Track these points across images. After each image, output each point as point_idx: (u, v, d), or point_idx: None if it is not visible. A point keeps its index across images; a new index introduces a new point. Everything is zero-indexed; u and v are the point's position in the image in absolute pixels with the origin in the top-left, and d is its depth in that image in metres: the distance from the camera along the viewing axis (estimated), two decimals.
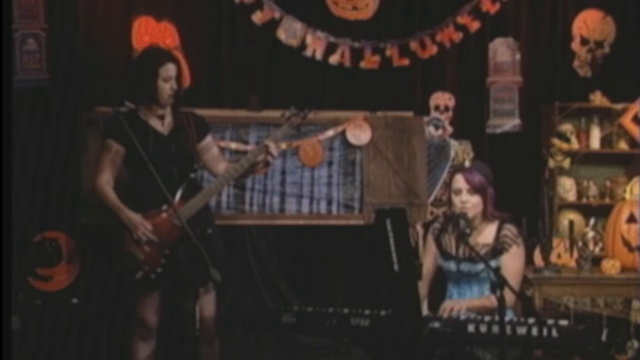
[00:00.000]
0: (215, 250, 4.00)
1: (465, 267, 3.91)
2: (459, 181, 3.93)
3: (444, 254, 3.99)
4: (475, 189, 3.90)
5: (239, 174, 4.21)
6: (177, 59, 4.28)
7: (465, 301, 3.81)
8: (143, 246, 4.03)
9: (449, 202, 4.02)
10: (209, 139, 4.29)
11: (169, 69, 4.11)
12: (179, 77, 4.16)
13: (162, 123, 4.16)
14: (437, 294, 4.10)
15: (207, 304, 4.11)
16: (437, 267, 4.05)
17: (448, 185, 4.07)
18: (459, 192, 3.92)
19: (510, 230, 3.92)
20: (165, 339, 4.36)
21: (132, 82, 4.16)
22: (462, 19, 5.64)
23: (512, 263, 3.86)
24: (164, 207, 4.04)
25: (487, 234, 3.93)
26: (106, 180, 4.10)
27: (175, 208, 3.92)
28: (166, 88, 4.10)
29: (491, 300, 3.64)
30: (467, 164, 4.11)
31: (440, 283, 4.09)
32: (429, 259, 4.06)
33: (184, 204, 4.04)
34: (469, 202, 3.90)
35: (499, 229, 3.92)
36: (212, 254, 3.69)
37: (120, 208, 4.05)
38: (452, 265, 3.95)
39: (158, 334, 4.22)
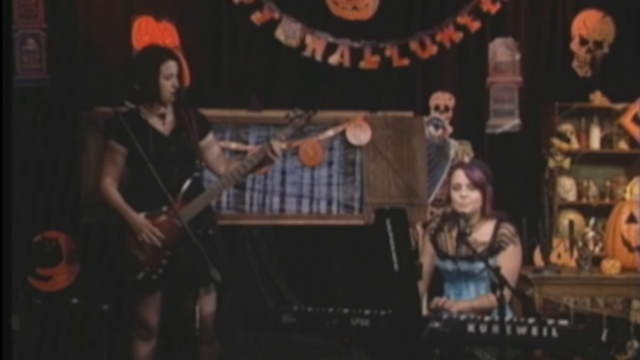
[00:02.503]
0: (216, 251, 3.99)
1: (462, 266, 3.90)
2: (459, 176, 3.92)
3: (440, 254, 3.98)
4: (475, 185, 3.89)
5: (241, 174, 4.21)
6: (178, 56, 4.28)
7: (459, 304, 3.79)
8: (144, 247, 4.03)
9: (448, 199, 4.01)
10: (210, 137, 4.29)
11: (170, 66, 4.11)
12: (180, 75, 4.16)
13: (162, 122, 4.16)
14: (435, 293, 4.10)
15: (208, 304, 4.11)
16: (435, 267, 4.04)
17: (448, 182, 4.06)
18: (458, 187, 3.91)
19: (507, 229, 3.91)
20: (166, 339, 4.36)
21: (134, 80, 4.16)
22: (462, 19, 5.64)
23: (508, 262, 3.85)
24: (165, 207, 4.04)
25: (484, 232, 3.93)
26: (110, 182, 4.10)
27: (175, 209, 3.92)
28: (168, 85, 4.10)
29: (490, 299, 3.64)
30: (466, 159, 4.11)
31: (438, 283, 4.09)
32: (426, 259, 4.05)
33: (186, 204, 4.04)
34: (469, 198, 3.88)
35: (497, 227, 3.92)
36: (213, 254, 3.69)
37: (125, 210, 4.04)
38: (448, 265, 3.95)
39: (158, 334, 4.22)
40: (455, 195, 3.91)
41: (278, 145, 4.15)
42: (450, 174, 4.07)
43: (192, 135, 4.16)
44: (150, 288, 4.10)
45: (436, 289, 4.09)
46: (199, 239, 3.60)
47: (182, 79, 4.23)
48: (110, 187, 4.09)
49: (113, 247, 4.17)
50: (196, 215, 4.02)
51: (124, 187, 4.14)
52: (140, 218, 4.02)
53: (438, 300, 3.74)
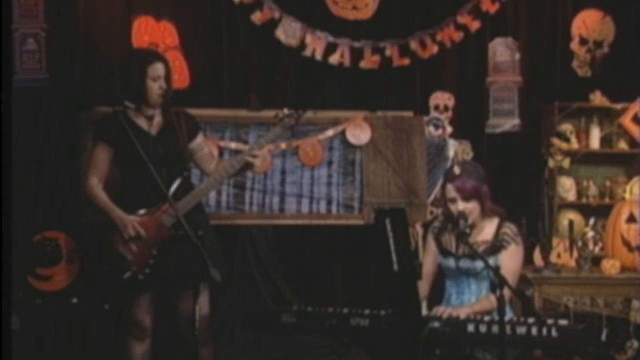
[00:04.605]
0: (207, 252, 3.98)
1: (464, 264, 3.90)
2: (451, 192, 3.92)
3: (444, 252, 3.99)
4: (469, 196, 3.89)
5: (230, 174, 4.20)
6: (166, 59, 4.26)
7: (459, 311, 3.78)
8: (131, 246, 4.02)
9: (447, 207, 4.00)
10: (200, 138, 4.28)
11: (158, 69, 4.10)
12: (168, 77, 4.15)
13: (150, 123, 4.15)
14: (437, 293, 4.10)
15: (201, 305, 4.08)
16: (438, 267, 4.04)
17: (443, 194, 4.04)
18: (454, 201, 3.91)
19: (510, 228, 3.92)
20: (160, 339, 4.35)
21: (122, 83, 4.16)
22: (462, 19, 5.65)
23: (510, 261, 3.85)
24: (152, 208, 4.04)
25: (487, 232, 3.93)
26: (96, 182, 4.12)
27: (174, 206, 3.90)
28: (155, 88, 4.09)
29: (491, 301, 3.64)
30: (456, 170, 4.02)
31: (440, 282, 4.09)
32: (429, 258, 4.05)
33: (175, 204, 4.02)
34: (467, 209, 3.89)
35: (499, 227, 3.92)
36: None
37: (111, 208, 4.05)
38: (451, 263, 3.95)
39: (154, 334, 4.22)
40: (453, 208, 3.91)
41: (260, 150, 4.15)
42: (443, 187, 4.05)
43: (181, 137, 4.15)
44: (138, 288, 4.09)
45: (438, 289, 4.08)
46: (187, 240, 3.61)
47: (171, 81, 4.21)
48: (96, 186, 4.11)
49: (102, 247, 4.17)
50: (185, 215, 3.99)
51: (112, 188, 4.14)
52: (125, 216, 4.03)
53: (437, 310, 3.73)
